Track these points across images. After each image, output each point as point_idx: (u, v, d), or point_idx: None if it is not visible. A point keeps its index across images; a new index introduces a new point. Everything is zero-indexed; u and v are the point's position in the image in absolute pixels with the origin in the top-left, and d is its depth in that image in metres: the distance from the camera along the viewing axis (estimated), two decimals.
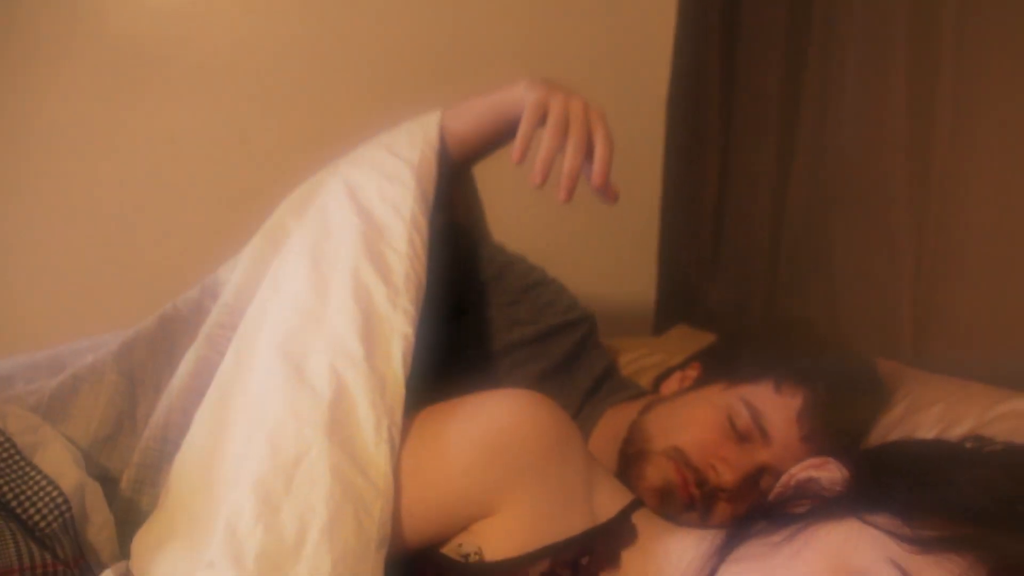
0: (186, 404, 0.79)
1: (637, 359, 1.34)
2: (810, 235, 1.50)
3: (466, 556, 0.67)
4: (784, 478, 0.70)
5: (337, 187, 0.95)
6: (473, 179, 1.23)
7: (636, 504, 0.76)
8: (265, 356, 0.75)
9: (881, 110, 1.29)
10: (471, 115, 1.05)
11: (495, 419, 0.71)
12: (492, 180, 1.77)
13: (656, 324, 1.91)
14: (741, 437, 0.94)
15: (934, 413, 0.94)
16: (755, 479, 0.93)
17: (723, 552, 0.67)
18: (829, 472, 0.67)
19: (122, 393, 0.82)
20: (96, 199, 1.47)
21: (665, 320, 1.86)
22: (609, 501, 0.74)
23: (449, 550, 0.68)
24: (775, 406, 0.94)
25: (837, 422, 0.93)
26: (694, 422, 0.96)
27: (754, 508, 0.70)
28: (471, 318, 1.14)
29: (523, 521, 0.69)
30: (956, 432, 0.89)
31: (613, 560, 0.71)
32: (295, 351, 0.75)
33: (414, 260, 0.86)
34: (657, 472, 0.94)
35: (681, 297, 1.84)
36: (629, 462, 0.97)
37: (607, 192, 0.95)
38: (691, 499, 0.92)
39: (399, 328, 0.79)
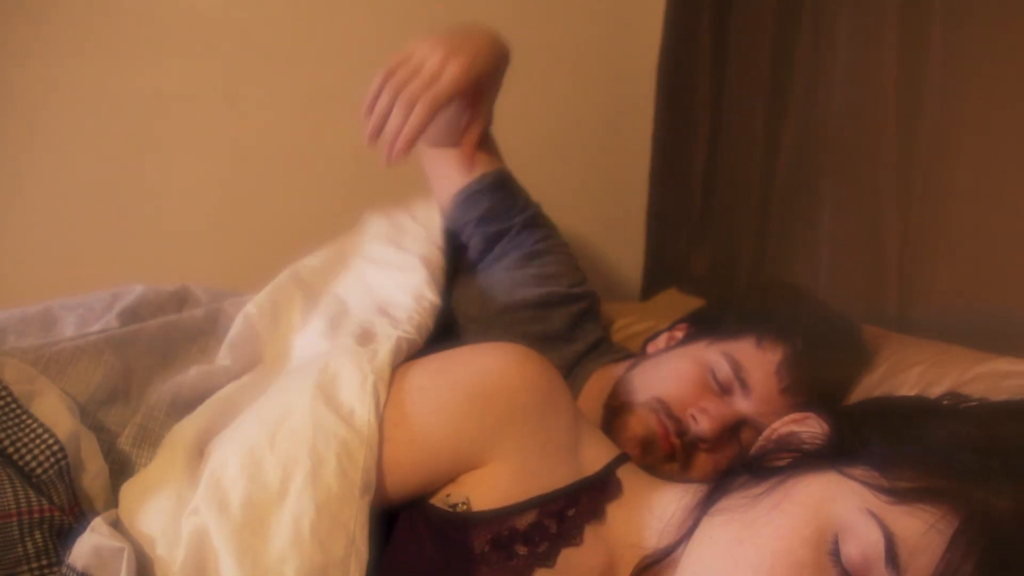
0: (191, 398, 0.81)
1: (627, 325, 1.36)
2: (798, 202, 1.51)
3: (454, 506, 0.68)
4: (766, 432, 0.72)
5: (353, 278, 1.05)
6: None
7: (622, 459, 0.77)
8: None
9: (871, 77, 1.30)
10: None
11: (485, 371, 0.72)
12: None
13: (644, 289, 1.93)
14: (722, 390, 0.97)
15: (915, 374, 0.96)
16: (734, 430, 0.96)
17: (705, 505, 0.68)
18: (810, 427, 0.69)
19: (118, 373, 0.83)
20: (82, 155, 1.47)
21: (653, 286, 1.88)
22: (595, 456, 0.76)
23: (437, 500, 0.69)
24: (756, 360, 0.97)
25: (816, 375, 0.96)
26: (676, 375, 0.99)
27: (736, 462, 0.71)
28: (479, 275, 1.16)
29: (511, 472, 0.70)
30: (935, 392, 0.90)
31: (599, 513, 0.72)
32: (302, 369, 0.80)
33: (419, 310, 0.93)
34: (639, 423, 0.97)
35: (669, 263, 1.85)
36: (613, 414, 1.00)
37: (389, 156, 0.97)
38: (672, 449, 0.95)
39: (395, 334, 0.83)
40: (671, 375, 1.00)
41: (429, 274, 1.01)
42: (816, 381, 0.95)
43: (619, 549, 0.72)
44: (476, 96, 1.02)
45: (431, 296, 0.97)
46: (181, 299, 1.06)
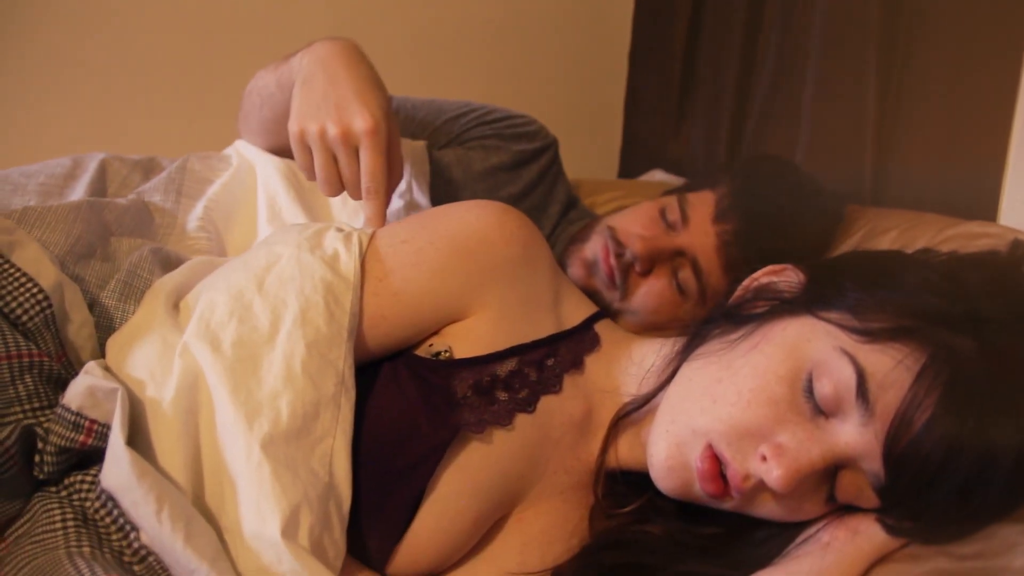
0: (174, 261, 0.81)
1: (615, 199, 1.37)
2: (779, 80, 1.50)
3: (437, 354, 0.70)
4: (745, 282, 0.73)
5: None
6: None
7: (600, 315, 0.79)
8: None
9: None
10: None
11: (465, 225, 0.73)
12: (464, 25, 1.74)
13: (621, 172, 1.93)
14: (669, 227, 1.02)
15: (889, 238, 0.98)
16: (669, 258, 1.00)
17: (685, 352, 0.71)
18: (787, 277, 0.71)
19: (95, 231, 0.82)
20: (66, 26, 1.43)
21: (630, 168, 1.88)
22: (574, 311, 0.78)
23: (421, 351, 0.71)
24: (702, 199, 1.02)
25: (749, 204, 1.00)
26: (633, 211, 1.06)
27: (714, 311, 0.73)
28: (451, 150, 1.17)
29: (492, 323, 0.71)
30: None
31: (577, 364, 0.74)
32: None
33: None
34: (591, 247, 1.04)
35: (647, 145, 1.85)
36: (573, 242, 1.08)
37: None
38: (611, 270, 1.01)
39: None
40: (629, 211, 1.06)
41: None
42: (750, 211, 0.99)
43: (597, 397, 0.75)
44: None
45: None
46: (147, 168, 1.03)
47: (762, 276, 0.73)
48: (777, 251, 0.92)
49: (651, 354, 0.74)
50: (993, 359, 0.58)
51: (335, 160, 0.82)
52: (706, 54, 1.70)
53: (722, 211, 0.99)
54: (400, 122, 1.14)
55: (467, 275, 0.71)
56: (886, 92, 1.28)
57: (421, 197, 1.04)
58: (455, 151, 1.15)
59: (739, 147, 1.61)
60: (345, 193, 0.85)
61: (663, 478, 0.66)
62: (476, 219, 0.73)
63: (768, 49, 1.53)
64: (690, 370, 0.68)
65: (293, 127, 0.83)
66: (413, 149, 1.08)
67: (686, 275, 0.99)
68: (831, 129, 1.37)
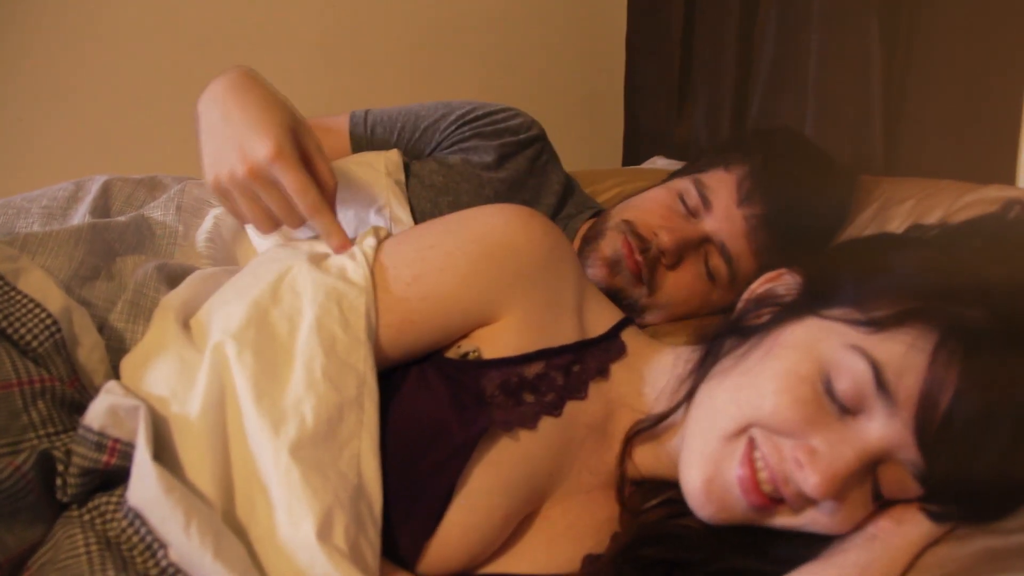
0: (178, 273, 0.80)
1: (617, 184, 1.35)
2: (781, 56, 1.48)
3: (465, 355, 0.70)
4: (745, 295, 0.73)
5: None
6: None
7: (626, 322, 0.78)
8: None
9: None
10: None
11: (490, 230, 0.72)
12: (461, 20, 1.73)
13: (625, 160, 1.92)
14: (690, 213, 0.99)
15: (906, 208, 0.96)
16: (698, 249, 0.98)
17: (699, 374, 0.70)
18: (785, 281, 0.71)
19: (99, 252, 0.81)
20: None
21: (634, 155, 1.87)
22: (600, 318, 0.77)
23: (450, 353, 0.71)
24: (720, 180, 0.99)
25: (774, 186, 0.97)
26: (648, 200, 1.02)
27: (721, 328, 0.72)
28: (432, 159, 1.14)
29: (519, 327, 0.71)
30: (927, 223, 0.91)
31: (603, 372, 0.74)
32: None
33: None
34: (608, 244, 1.00)
35: (649, 132, 1.83)
36: (588, 241, 1.03)
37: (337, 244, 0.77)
38: (637, 267, 0.97)
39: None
40: (643, 201, 1.03)
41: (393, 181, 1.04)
42: (775, 192, 0.96)
43: (616, 408, 0.74)
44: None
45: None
46: (150, 187, 1.03)
47: (759, 286, 0.73)
48: (803, 228, 0.91)
49: (664, 374, 0.74)
50: (1007, 323, 0.57)
51: (259, 199, 0.77)
52: (705, 33, 1.69)
53: (746, 193, 0.96)
54: (379, 139, 1.14)
55: (494, 280, 0.71)
56: (892, 56, 1.26)
57: (400, 209, 1.02)
58: (436, 158, 1.12)
59: (745, 125, 1.59)
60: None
61: (702, 505, 0.65)
62: (503, 224, 0.73)
63: (768, 23, 1.51)
64: (708, 389, 0.68)
65: (209, 180, 0.79)
66: (387, 159, 1.06)
67: (716, 263, 0.97)
68: (838, 99, 1.35)
